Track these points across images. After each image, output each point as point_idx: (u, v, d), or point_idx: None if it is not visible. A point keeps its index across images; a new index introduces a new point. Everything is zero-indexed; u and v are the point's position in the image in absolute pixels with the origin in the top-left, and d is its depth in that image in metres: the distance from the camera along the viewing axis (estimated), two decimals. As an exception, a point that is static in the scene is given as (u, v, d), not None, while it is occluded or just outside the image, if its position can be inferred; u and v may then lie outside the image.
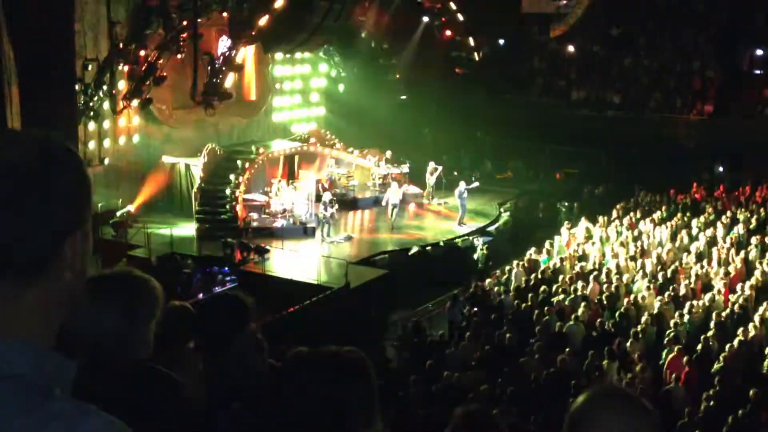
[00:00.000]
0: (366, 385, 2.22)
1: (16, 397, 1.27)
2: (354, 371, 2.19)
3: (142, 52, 22.87)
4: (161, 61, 22.98)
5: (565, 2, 33.84)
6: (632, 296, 17.02)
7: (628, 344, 14.58)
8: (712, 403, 12.13)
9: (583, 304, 16.41)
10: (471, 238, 23.47)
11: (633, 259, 19.57)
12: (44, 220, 1.33)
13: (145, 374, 2.33)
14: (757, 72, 32.02)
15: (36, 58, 14.66)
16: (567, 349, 14.10)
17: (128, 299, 2.37)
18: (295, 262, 20.64)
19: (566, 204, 25.71)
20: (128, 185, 24.27)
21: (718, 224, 21.87)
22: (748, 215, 22.75)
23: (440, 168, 27.12)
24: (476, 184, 25.61)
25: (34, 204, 1.32)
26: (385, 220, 24.37)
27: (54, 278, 1.36)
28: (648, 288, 17.34)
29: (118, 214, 22.43)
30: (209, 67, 24.09)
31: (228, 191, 23.52)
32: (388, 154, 28.10)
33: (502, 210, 26.64)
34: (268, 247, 21.12)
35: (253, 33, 23.36)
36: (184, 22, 22.68)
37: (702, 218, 22.81)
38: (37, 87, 14.78)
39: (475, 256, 22.01)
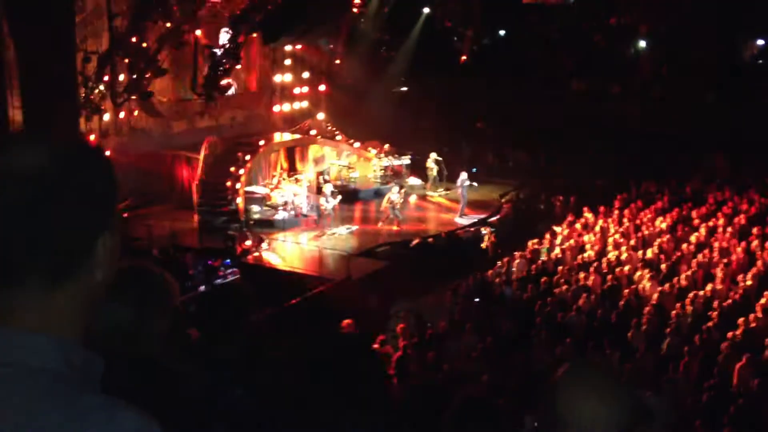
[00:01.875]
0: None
1: (51, 390, 1.29)
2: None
3: (143, 45, 22.85)
4: (162, 54, 22.96)
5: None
6: (633, 287, 17.04)
7: (629, 334, 14.61)
8: (713, 393, 12.15)
9: (584, 294, 16.44)
10: (474, 228, 23.49)
11: (634, 249, 19.58)
12: (77, 223, 1.35)
13: (151, 369, 2.34)
14: (759, 62, 31.98)
15: (37, 52, 14.66)
16: (568, 340, 14.13)
17: (141, 293, 2.38)
18: (296, 254, 20.67)
19: (561, 198, 25.59)
20: (129, 178, 24.25)
21: (719, 214, 21.88)
22: (749, 205, 22.75)
23: (441, 160, 27.12)
24: (474, 184, 25.58)
25: (66, 207, 1.33)
26: (381, 219, 23.89)
27: (85, 277, 1.39)
28: (649, 278, 17.35)
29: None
30: (210, 60, 24.07)
31: (229, 183, 23.54)
32: (387, 146, 28.10)
33: (503, 201, 26.64)
34: (269, 239, 21.14)
35: (254, 25, 23.34)
36: (185, 15, 22.66)
37: (703, 208, 22.81)
38: (39, 81, 14.79)
39: (483, 245, 22.11)
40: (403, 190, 24.16)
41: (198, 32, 22.11)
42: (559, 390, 1.88)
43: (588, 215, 22.64)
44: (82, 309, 1.42)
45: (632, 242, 20.10)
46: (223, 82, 23.76)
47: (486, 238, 22.20)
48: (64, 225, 1.33)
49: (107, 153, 1.45)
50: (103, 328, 2.30)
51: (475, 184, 25.65)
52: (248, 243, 20.62)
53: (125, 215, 22.33)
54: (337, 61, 31.16)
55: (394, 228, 23.17)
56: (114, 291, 2.35)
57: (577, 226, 22.13)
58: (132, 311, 2.33)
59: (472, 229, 23.61)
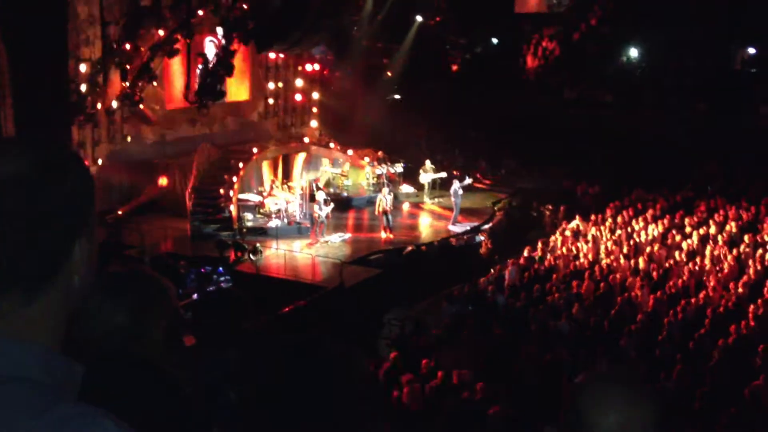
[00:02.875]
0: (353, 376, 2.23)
1: (27, 399, 1.27)
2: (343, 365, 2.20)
3: (136, 52, 22.84)
4: (155, 61, 22.97)
5: (558, 0, 33.94)
6: (626, 294, 17.08)
7: (621, 342, 14.63)
8: (705, 400, 12.18)
9: (576, 302, 16.46)
10: (467, 236, 23.52)
11: (626, 257, 19.63)
12: (51, 229, 1.34)
13: (149, 374, 2.35)
14: (752, 70, 32.13)
15: (29, 59, 14.66)
16: (560, 348, 14.14)
17: (138, 298, 2.39)
18: (289, 262, 20.66)
19: (550, 207, 25.56)
20: (121, 186, 24.25)
21: (711, 222, 21.96)
22: (741, 213, 22.84)
23: (434, 167, 27.19)
24: (468, 180, 25.69)
25: (38, 214, 1.33)
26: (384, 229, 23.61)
27: (63, 283, 1.38)
28: (642, 286, 17.39)
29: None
30: (203, 67, 24.08)
31: (222, 191, 23.52)
32: (381, 154, 28.13)
33: (496, 209, 26.69)
34: (262, 247, 21.15)
35: (247, 33, 23.36)
36: (178, 22, 22.66)
37: (695, 216, 22.89)
38: (31, 88, 14.78)
39: (481, 251, 22.18)
40: (390, 194, 24.16)
41: (193, 40, 22.11)
42: (585, 398, 1.85)
43: (579, 223, 22.70)
44: (61, 315, 1.41)
45: (625, 250, 20.15)
46: (216, 89, 23.74)
47: (484, 244, 22.38)
48: (40, 231, 1.33)
49: (82, 158, 1.44)
50: (102, 332, 2.31)
51: (468, 180, 25.72)
52: (242, 251, 20.60)
53: (113, 221, 22.33)
54: (331, 69, 31.19)
55: (384, 236, 23.13)
56: (113, 294, 2.38)
57: (567, 233, 22.19)
58: (131, 315, 2.34)
59: (465, 236, 23.64)
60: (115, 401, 2.11)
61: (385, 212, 23.25)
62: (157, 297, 2.43)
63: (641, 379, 1.89)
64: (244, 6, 22.30)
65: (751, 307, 15.81)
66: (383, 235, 23.19)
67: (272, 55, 28.78)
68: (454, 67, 30.55)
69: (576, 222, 22.89)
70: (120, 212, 23.15)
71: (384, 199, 23.36)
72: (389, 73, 31.21)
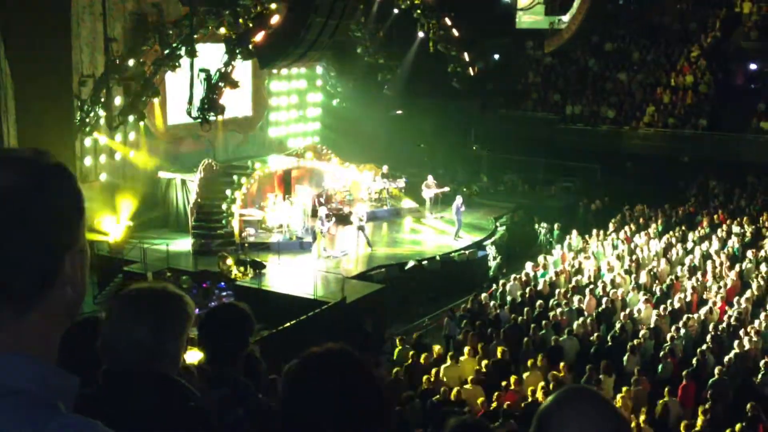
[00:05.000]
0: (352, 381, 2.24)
1: (22, 411, 1.28)
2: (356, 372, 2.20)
3: (139, 68, 22.94)
4: (157, 77, 23.05)
5: (559, 18, 34.08)
6: (628, 310, 17.05)
7: (624, 358, 14.60)
8: (708, 416, 12.14)
9: (579, 318, 16.43)
10: (467, 252, 23.50)
11: (628, 272, 19.61)
12: (41, 242, 1.34)
13: (168, 388, 2.39)
14: (752, 86, 32.20)
15: (33, 74, 14.72)
16: (562, 364, 14.11)
17: (159, 314, 2.43)
18: (291, 277, 20.64)
19: (545, 225, 25.38)
20: (124, 201, 24.28)
21: (713, 238, 21.95)
22: (743, 229, 22.83)
23: (436, 183, 27.22)
24: (476, 189, 25.84)
25: (28, 227, 1.33)
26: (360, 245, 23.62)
27: (55, 295, 1.38)
28: (644, 302, 17.36)
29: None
30: (205, 83, 24.14)
31: (224, 206, 23.54)
32: (385, 168, 28.15)
33: (498, 224, 26.68)
34: (264, 263, 21.14)
35: (250, 49, 23.45)
36: (181, 39, 22.77)
37: (697, 232, 22.88)
38: (34, 103, 14.83)
39: (490, 264, 22.43)
40: (365, 211, 24.26)
41: (196, 56, 22.19)
42: (551, 417, 1.84)
43: (575, 239, 22.72)
44: (55, 327, 1.41)
45: (626, 266, 20.14)
46: (219, 105, 23.81)
47: (491, 258, 22.58)
48: (29, 245, 1.33)
49: (66, 168, 1.42)
50: (123, 346, 2.36)
51: (475, 188, 25.83)
52: (244, 267, 20.59)
53: (117, 237, 22.36)
54: (334, 85, 31.29)
55: (368, 249, 23.21)
56: (134, 310, 2.44)
57: (572, 249, 22.19)
58: (151, 330, 2.38)
59: (466, 252, 23.62)
60: (134, 414, 2.13)
61: (360, 228, 23.24)
62: (176, 314, 2.47)
63: (608, 404, 1.86)
64: (248, 23, 22.38)
65: (756, 322, 15.80)
66: (365, 250, 23.24)
67: (275, 71, 28.87)
68: (456, 83, 30.60)
69: (573, 238, 22.88)
70: (127, 224, 23.23)
71: (359, 212, 23.44)
72: (391, 89, 31.28)
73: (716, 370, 13.59)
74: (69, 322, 1.46)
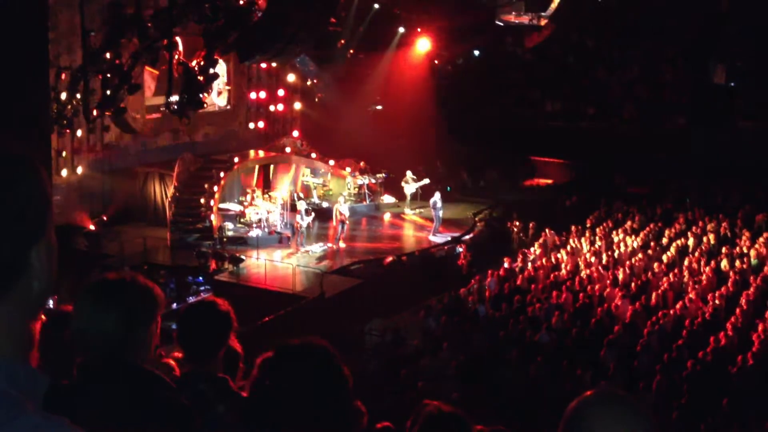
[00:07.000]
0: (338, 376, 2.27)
1: None
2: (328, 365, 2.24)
3: (117, 61, 22.73)
4: (136, 70, 22.86)
5: (539, 14, 34.16)
6: (606, 305, 17.17)
7: (601, 353, 14.71)
8: (683, 411, 12.26)
9: (556, 313, 16.53)
10: (447, 246, 23.56)
11: (606, 268, 19.75)
12: (6, 234, 1.32)
13: (141, 379, 2.39)
14: (731, 84, 32.43)
15: (9, 66, 14.54)
16: (540, 359, 14.19)
17: (128, 303, 2.43)
18: (269, 272, 20.60)
19: (517, 223, 25.04)
20: (102, 194, 24.10)
21: (689, 234, 22.14)
22: (719, 225, 23.04)
23: (416, 178, 27.24)
24: (447, 188, 25.83)
25: None
26: (341, 238, 23.52)
27: (22, 290, 1.36)
28: (621, 297, 17.51)
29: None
30: (184, 77, 23.98)
31: (203, 200, 23.44)
32: (362, 164, 28.15)
33: (477, 219, 26.75)
34: (242, 257, 21.08)
35: (229, 43, 23.31)
36: (159, 32, 22.58)
37: (674, 228, 23.07)
38: (10, 96, 14.65)
39: (459, 262, 22.18)
40: (346, 203, 24.19)
41: (175, 49, 22.02)
42: (585, 421, 1.80)
43: (550, 236, 22.79)
44: (22, 323, 1.39)
45: (604, 261, 20.28)
46: (197, 98, 23.68)
47: (462, 256, 22.36)
48: None
49: (32, 160, 1.39)
50: (93, 338, 2.35)
51: (448, 188, 25.79)
52: (222, 261, 20.53)
53: (93, 229, 22.18)
54: (313, 80, 31.20)
55: (333, 246, 23.11)
56: (101, 300, 2.44)
57: (549, 245, 22.29)
58: (117, 320, 2.38)
59: (445, 247, 23.67)
60: (108, 406, 2.12)
61: (342, 221, 23.22)
62: (145, 303, 2.47)
63: (637, 405, 1.84)
64: (228, 17, 22.25)
65: (732, 318, 15.96)
66: (337, 245, 23.13)
67: (254, 65, 28.74)
68: (436, 78, 30.62)
69: (549, 235, 22.92)
70: (105, 218, 23.06)
71: (341, 208, 23.40)
72: (370, 84, 31.24)
73: (691, 365, 13.72)
74: (36, 316, 1.44)
